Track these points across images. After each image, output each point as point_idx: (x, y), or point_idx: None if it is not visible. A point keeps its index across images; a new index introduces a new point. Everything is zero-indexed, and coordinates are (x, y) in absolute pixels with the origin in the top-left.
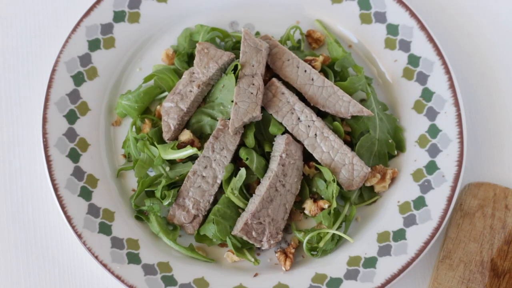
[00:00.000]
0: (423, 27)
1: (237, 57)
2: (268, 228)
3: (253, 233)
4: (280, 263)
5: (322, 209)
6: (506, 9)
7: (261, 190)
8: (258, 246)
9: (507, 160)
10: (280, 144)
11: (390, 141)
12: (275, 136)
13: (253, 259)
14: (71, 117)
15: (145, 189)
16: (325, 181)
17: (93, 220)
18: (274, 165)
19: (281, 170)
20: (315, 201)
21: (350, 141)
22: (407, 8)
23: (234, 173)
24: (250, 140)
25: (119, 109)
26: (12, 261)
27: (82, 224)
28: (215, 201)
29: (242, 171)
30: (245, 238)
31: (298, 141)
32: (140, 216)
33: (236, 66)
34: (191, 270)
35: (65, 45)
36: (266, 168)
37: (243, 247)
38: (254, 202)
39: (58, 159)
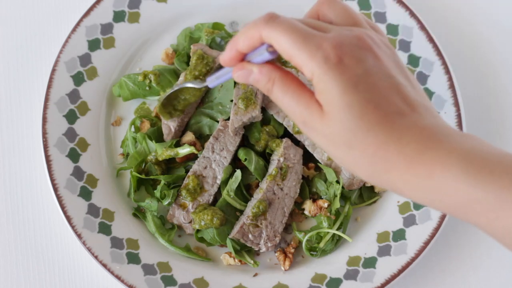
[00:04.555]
0: (423, 27)
1: None
2: (265, 231)
3: (250, 236)
4: (280, 262)
5: (322, 208)
6: (506, 10)
7: (258, 193)
8: (256, 249)
9: None
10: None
11: None
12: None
13: (252, 261)
14: (71, 117)
15: (145, 186)
16: (325, 181)
17: (92, 220)
18: (272, 168)
19: (279, 173)
20: (314, 201)
21: None
22: (407, 8)
23: (232, 174)
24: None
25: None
26: (12, 261)
27: (82, 224)
28: (214, 202)
29: (238, 172)
30: (242, 241)
31: (298, 143)
32: (137, 213)
33: None
34: (191, 270)
35: (65, 45)
36: (265, 169)
37: (242, 249)
38: (251, 206)
39: (58, 159)
